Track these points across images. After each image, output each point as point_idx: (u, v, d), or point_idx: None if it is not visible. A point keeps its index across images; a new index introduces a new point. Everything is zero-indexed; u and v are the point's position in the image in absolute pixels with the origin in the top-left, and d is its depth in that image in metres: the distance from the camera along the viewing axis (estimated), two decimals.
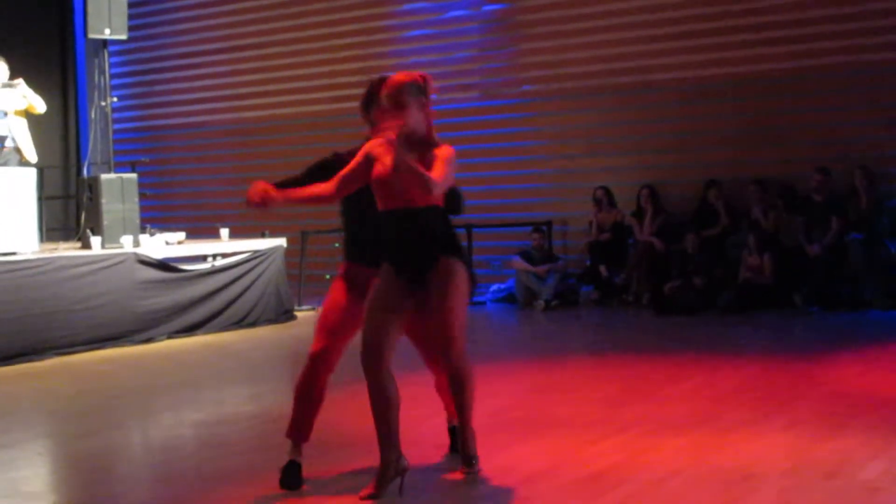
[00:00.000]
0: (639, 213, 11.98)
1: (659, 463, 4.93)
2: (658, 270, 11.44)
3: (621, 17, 12.41)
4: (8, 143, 10.24)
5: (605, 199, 12.24)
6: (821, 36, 11.39)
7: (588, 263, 12.24)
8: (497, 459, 5.07)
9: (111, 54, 12.51)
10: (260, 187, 4.54)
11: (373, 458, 4.67)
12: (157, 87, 15.66)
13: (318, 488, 4.70)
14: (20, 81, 10.58)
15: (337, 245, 13.90)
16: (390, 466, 4.51)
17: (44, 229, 10.90)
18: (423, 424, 5.85)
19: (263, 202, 4.52)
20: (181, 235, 11.23)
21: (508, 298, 12.45)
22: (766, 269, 10.83)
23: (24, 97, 10.58)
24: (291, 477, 4.67)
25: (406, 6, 13.87)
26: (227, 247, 10.99)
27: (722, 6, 11.88)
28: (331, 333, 4.76)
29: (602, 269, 11.98)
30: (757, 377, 7.16)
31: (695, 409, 6.11)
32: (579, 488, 4.58)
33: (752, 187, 11.36)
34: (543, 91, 12.98)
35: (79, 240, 10.64)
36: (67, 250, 10.01)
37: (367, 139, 4.82)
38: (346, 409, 5.95)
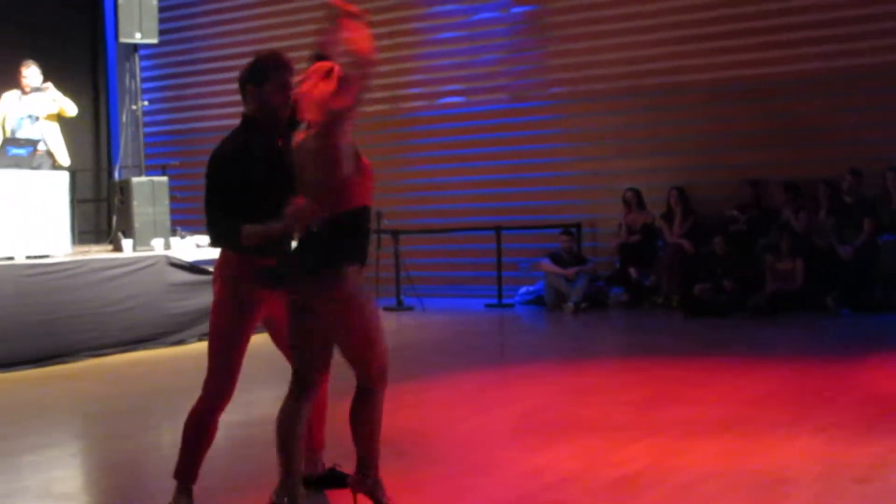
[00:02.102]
0: (668, 215, 11.94)
1: (690, 466, 4.90)
2: (688, 272, 11.39)
3: (650, 19, 12.38)
4: (40, 147, 10.32)
5: (634, 200, 12.20)
6: (852, 37, 11.31)
7: (617, 265, 12.21)
8: (527, 462, 5.07)
9: (142, 58, 12.61)
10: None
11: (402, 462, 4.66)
12: (188, 91, 15.75)
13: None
14: (49, 85, 10.66)
15: None
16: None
17: (76, 232, 10.99)
18: (461, 426, 5.86)
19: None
20: None
21: (537, 301, 12.43)
22: (797, 275, 10.75)
23: (54, 101, 10.66)
24: None
25: (435, 9, 13.88)
26: None
27: (752, 7, 11.82)
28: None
29: (632, 271, 11.95)
30: (788, 380, 7.12)
31: (726, 412, 6.08)
32: (610, 491, 4.57)
33: (783, 188, 11.30)
34: (572, 93, 12.96)
35: (110, 242, 10.72)
36: (99, 253, 10.09)
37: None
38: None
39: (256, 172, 4.17)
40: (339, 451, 4.66)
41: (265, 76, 4.37)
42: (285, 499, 4.11)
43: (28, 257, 9.13)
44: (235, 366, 4.31)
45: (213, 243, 4.38)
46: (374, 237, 12.13)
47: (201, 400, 4.35)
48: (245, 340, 4.33)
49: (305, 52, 13.55)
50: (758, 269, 11.04)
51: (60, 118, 10.82)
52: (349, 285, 3.98)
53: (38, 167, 10.13)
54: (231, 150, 4.28)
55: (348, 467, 4.32)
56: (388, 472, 4.73)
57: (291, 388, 4.20)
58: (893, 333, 9.27)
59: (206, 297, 10.14)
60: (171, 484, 4.37)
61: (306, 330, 4.09)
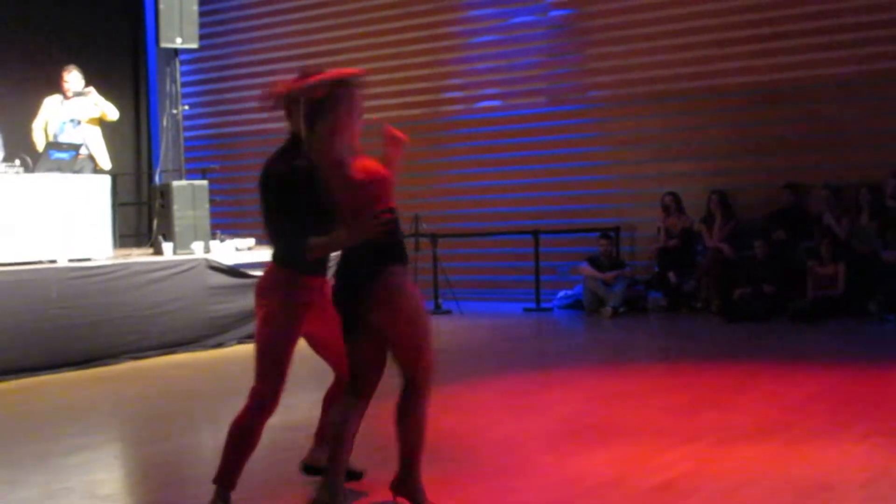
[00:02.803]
0: (708, 219, 11.86)
1: (730, 473, 4.87)
2: (728, 277, 11.30)
3: (689, 22, 12.31)
4: (82, 151, 10.42)
5: (673, 204, 12.14)
6: (892, 39, 11.19)
7: (656, 270, 12.15)
8: (565, 467, 5.05)
9: (182, 63, 12.70)
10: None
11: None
12: (227, 95, 15.86)
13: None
14: (91, 89, 10.77)
15: None
16: None
17: (117, 235, 11.09)
18: (499, 430, 5.85)
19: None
20: (251, 241, 11.35)
21: (575, 305, 12.40)
22: (839, 280, 10.64)
23: (96, 105, 10.77)
24: None
25: (473, 13, 13.89)
26: None
27: (790, 10, 11.73)
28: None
29: (671, 275, 11.88)
30: (831, 386, 7.04)
31: (766, 418, 6.03)
32: (649, 498, 4.54)
33: (825, 192, 11.20)
34: (610, 96, 12.91)
35: (151, 246, 10.81)
36: (140, 256, 10.18)
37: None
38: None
39: (316, 188, 4.24)
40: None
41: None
42: (328, 496, 4.17)
43: (70, 260, 9.22)
44: (282, 376, 4.39)
45: (279, 256, 4.49)
46: (412, 241, 12.16)
47: (247, 408, 4.40)
48: (291, 352, 4.42)
49: (343, 57, 13.68)
50: (799, 273, 10.94)
51: (102, 122, 10.93)
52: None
53: (80, 171, 10.24)
54: (289, 168, 4.32)
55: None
56: (426, 476, 4.74)
57: (347, 391, 4.33)
58: None
59: (246, 301, 10.22)
60: (211, 487, 4.40)
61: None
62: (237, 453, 4.39)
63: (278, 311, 4.39)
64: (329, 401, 4.88)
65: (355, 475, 4.78)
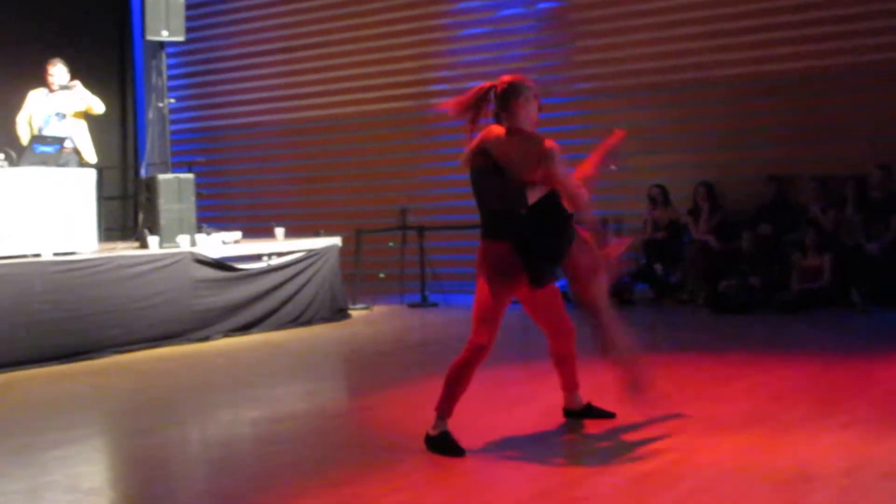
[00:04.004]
0: (695, 211, 11.89)
1: (714, 462, 4.89)
2: (714, 269, 11.33)
3: (676, 14, 12.33)
4: (67, 145, 10.38)
5: (660, 197, 12.16)
6: (879, 31, 11.23)
7: (643, 262, 12.17)
8: (551, 457, 5.07)
9: (169, 56, 12.66)
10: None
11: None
12: (214, 88, 15.82)
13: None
14: (77, 83, 10.73)
15: (391, 244, 14.04)
16: None
17: (102, 229, 11.05)
18: (484, 422, 5.87)
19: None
20: (237, 235, 11.34)
21: (562, 296, 12.36)
22: (825, 271, 10.67)
23: (82, 99, 10.73)
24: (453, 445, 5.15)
25: (461, 5, 13.88)
26: (282, 246, 11.08)
27: (778, 2, 11.75)
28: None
29: (657, 267, 11.90)
30: (814, 376, 7.07)
31: (751, 408, 6.06)
32: (633, 487, 4.56)
33: (811, 184, 11.23)
34: (597, 89, 12.92)
35: (136, 239, 10.79)
36: (125, 250, 10.15)
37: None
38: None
39: None
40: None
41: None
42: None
43: (55, 254, 9.20)
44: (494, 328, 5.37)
45: None
46: (399, 234, 12.17)
47: (465, 351, 5.30)
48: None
49: (331, 50, 13.62)
50: (785, 265, 10.97)
51: (87, 116, 10.90)
52: None
53: (65, 165, 10.20)
54: None
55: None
56: (413, 466, 4.75)
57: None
58: None
59: (231, 294, 10.23)
60: (196, 480, 4.41)
61: None
62: (452, 388, 5.22)
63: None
64: (556, 359, 6.02)
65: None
